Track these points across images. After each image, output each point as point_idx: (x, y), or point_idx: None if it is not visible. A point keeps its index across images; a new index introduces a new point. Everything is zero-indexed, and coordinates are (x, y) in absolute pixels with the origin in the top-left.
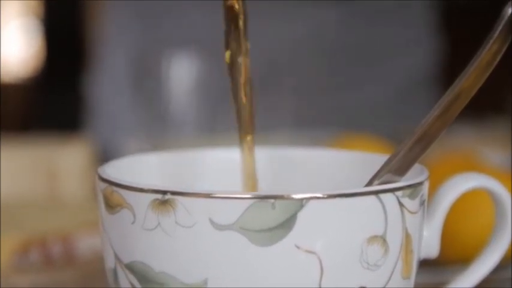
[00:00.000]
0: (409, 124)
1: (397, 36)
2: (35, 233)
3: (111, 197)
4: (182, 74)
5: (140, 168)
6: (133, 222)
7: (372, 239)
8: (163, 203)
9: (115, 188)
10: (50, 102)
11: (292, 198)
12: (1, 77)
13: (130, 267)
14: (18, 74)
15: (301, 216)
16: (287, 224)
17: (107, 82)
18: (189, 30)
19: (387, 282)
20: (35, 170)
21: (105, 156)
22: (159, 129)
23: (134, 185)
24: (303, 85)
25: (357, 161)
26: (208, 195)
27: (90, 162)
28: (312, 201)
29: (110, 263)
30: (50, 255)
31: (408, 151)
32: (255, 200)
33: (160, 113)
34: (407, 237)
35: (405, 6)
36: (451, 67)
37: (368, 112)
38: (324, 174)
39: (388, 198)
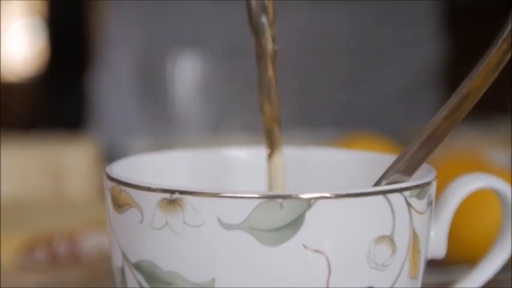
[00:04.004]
0: (414, 123)
1: (402, 35)
2: (41, 232)
3: (119, 196)
4: (187, 73)
5: (148, 167)
6: (141, 222)
7: (380, 238)
8: (172, 202)
9: (123, 187)
10: (55, 101)
11: (300, 198)
12: (6, 76)
13: (138, 267)
14: (22, 73)
15: (309, 216)
16: (295, 224)
17: (112, 81)
18: (194, 30)
19: (395, 282)
20: (40, 169)
21: (110, 155)
22: (164, 128)
23: (142, 184)
24: (309, 84)
25: (365, 161)
26: (216, 195)
27: (96, 161)
28: (319, 201)
29: (117, 262)
30: (56, 254)
31: (416, 151)
32: (263, 199)
33: (165, 112)
34: (414, 237)
35: (410, 5)
36: (455, 66)
37: (373, 111)
38: (331, 174)
39: (396, 198)
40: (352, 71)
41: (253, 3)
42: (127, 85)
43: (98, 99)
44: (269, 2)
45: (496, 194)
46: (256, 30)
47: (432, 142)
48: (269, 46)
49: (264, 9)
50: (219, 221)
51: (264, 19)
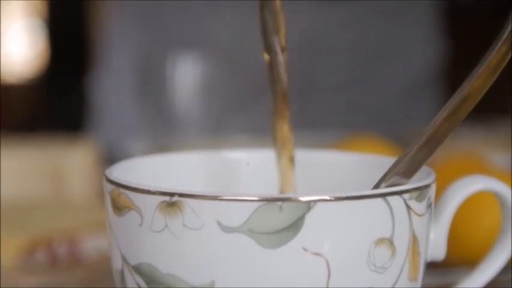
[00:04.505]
0: (414, 124)
1: (401, 36)
2: (41, 233)
3: (119, 198)
4: (187, 75)
5: (147, 169)
6: (140, 224)
7: (379, 241)
8: (171, 205)
9: (122, 190)
10: (55, 102)
11: (300, 201)
12: (6, 77)
13: (138, 269)
14: (22, 74)
15: (309, 218)
16: (294, 227)
17: (112, 83)
18: (194, 31)
19: (394, 284)
20: (40, 171)
21: (110, 157)
22: (164, 130)
23: (142, 187)
24: (309, 85)
25: (365, 163)
26: (215, 197)
27: (96, 163)
28: (319, 204)
29: (117, 264)
30: (56, 256)
31: (416, 153)
32: (263, 202)
33: (165, 114)
34: (414, 239)
35: (410, 6)
36: (455, 67)
37: (373, 112)
38: (331, 176)
39: (396, 201)
40: (352, 72)
41: (266, 20)
42: (127, 87)
43: (98, 100)
44: (280, 20)
45: (496, 196)
46: (269, 48)
47: (432, 144)
48: (282, 69)
49: (276, 28)
50: (219, 223)
51: (276, 39)
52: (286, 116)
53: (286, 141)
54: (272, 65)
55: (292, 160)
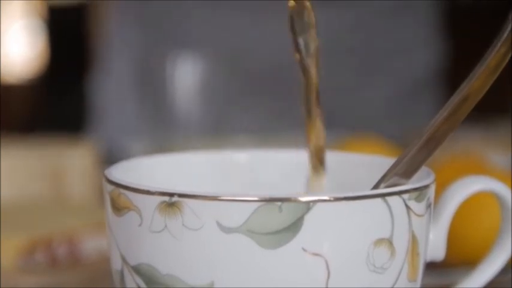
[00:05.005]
0: (414, 125)
1: (402, 36)
2: (40, 234)
3: (118, 199)
4: (187, 75)
5: (147, 170)
6: (140, 225)
7: (379, 241)
8: (171, 205)
9: (122, 190)
10: (55, 103)
11: (299, 201)
12: (5, 77)
13: (137, 270)
14: (22, 74)
15: (308, 219)
16: (294, 227)
17: (112, 83)
18: (194, 31)
19: (394, 285)
20: (40, 172)
21: (110, 157)
22: (164, 131)
23: (141, 187)
24: None
25: (365, 163)
26: (215, 198)
27: (95, 163)
28: (318, 204)
29: (116, 265)
30: (55, 257)
31: (415, 154)
32: (262, 202)
33: (165, 115)
34: (413, 240)
35: (410, 6)
36: (455, 67)
37: (373, 113)
38: (330, 177)
39: (395, 201)
40: (352, 72)
41: (295, 20)
42: (127, 87)
43: (98, 101)
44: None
45: (495, 196)
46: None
47: (432, 144)
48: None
49: (306, 26)
50: (218, 224)
51: (305, 36)
52: (319, 116)
53: (319, 142)
54: (304, 67)
55: (323, 161)
